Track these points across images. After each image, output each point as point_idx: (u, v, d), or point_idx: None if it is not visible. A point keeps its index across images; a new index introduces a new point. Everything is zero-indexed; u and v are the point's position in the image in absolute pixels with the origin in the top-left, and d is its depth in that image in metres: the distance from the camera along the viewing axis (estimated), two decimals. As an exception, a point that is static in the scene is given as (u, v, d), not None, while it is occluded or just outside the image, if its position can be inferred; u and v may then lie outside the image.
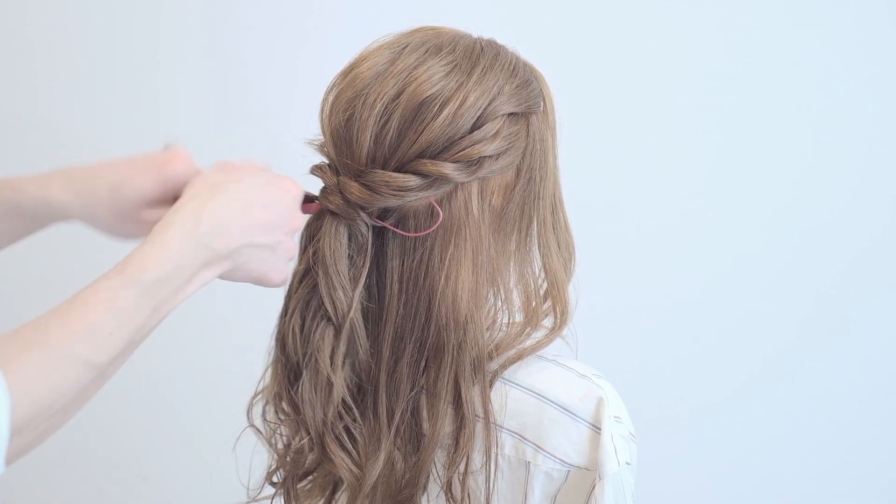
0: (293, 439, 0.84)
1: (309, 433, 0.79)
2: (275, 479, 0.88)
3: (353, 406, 0.79)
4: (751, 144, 1.48)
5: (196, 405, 1.63)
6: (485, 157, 0.75)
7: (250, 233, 0.70)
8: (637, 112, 1.48)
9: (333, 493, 0.86)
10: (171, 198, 0.78)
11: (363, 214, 0.76)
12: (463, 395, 0.77)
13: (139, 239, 0.74)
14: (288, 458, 0.84)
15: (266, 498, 0.88)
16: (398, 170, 0.75)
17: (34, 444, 0.60)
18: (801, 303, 1.53)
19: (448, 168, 0.74)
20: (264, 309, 1.50)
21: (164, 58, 1.53)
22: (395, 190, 0.74)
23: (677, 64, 1.46)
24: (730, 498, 1.61)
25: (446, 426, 0.78)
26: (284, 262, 0.75)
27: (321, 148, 0.80)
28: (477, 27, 0.83)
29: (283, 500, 0.86)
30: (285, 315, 0.80)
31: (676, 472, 1.60)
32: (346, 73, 0.77)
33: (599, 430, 0.76)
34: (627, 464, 0.77)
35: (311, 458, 0.83)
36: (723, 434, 1.59)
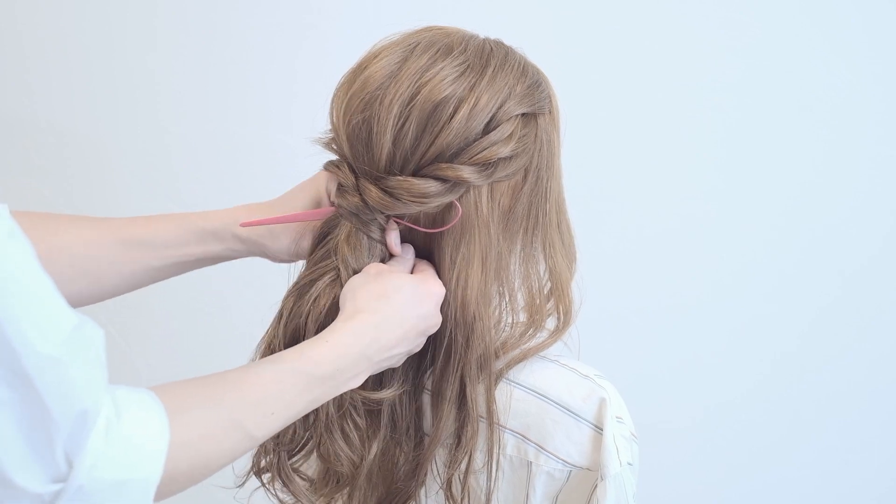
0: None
1: (307, 430, 0.80)
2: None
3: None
4: (756, 146, 1.48)
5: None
6: (501, 158, 0.75)
7: (405, 344, 0.76)
8: (640, 113, 1.48)
9: (333, 493, 0.86)
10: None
11: (380, 217, 0.77)
12: (468, 394, 0.78)
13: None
14: (273, 456, 0.85)
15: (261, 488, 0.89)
16: (416, 174, 0.74)
17: (174, 493, 0.62)
18: (808, 306, 1.52)
19: (466, 172, 0.74)
20: (266, 308, 1.50)
21: (164, 58, 1.53)
22: (415, 197, 0.74)
23: (681, 64, 1.46)
24: (736, 500, 1.61)
25: (449, 424, 0.79)
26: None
27: (328, 145, 0.80)
28: (476, 27, 0.83)
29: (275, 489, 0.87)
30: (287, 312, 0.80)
31: (680, 475, 1.60)
32: (356, 73, 0.77)
33: (602, 430, 0.77)
34: (629, 464, 0.77)
35: (300, 441, 0.83)
36: (726, 436, 1.59)
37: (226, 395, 0.65)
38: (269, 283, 1.25)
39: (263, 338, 0.82)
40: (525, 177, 0.78)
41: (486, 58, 0.76)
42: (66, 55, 1.54)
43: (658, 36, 1.45)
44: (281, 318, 0.80)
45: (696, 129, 1.48)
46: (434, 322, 0.77)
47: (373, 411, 0.81)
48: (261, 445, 0.86)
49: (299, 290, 0.79)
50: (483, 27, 0.84)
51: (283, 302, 0.81)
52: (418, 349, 0.78)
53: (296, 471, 0.84)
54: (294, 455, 0.84)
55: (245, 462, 0.89)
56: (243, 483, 0.88)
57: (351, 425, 0.80)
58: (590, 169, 1.46)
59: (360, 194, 0.76)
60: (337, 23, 1.48)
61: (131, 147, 1.56)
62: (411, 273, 0.79)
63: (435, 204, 0.75)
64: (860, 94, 1.44)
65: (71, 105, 1.56)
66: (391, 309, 0.74)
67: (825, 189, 1.48)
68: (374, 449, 0.81)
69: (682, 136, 1.48)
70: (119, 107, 1.55)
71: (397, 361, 0.77)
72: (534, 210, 0.80)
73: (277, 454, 0.84)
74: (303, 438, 0.83)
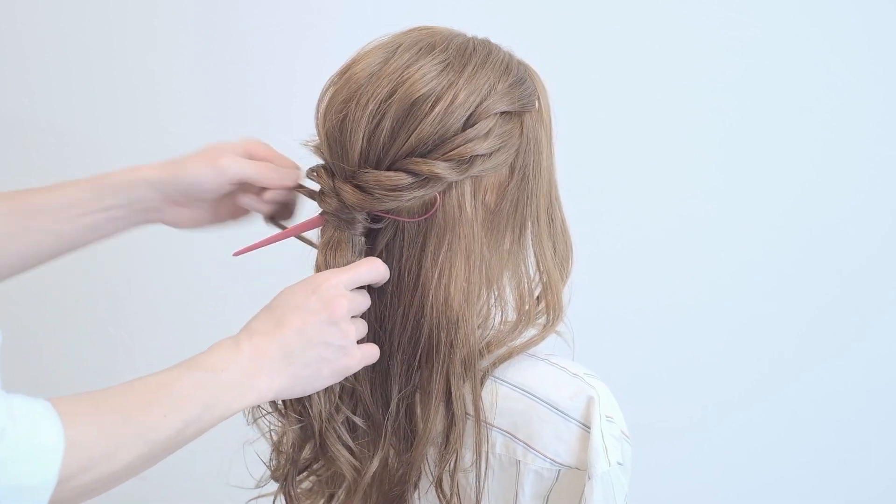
0: (283, 437, 0.85)
1: (302, 423, 0.80)
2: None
3: (355, 400, 0.80)
4: (756, 146, 1.48)
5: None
6: (476, 155, 0.74)
7: (289, 342, 0.73)
8: (640, 113, 1.48)
9: (333, 495, 0.86)
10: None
11: (360, 217, 0.77)
12: (453, 393, 0.77)
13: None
14: (283, 458, 0.85)
15: (268, 495, 0.89)
16: (389, 169, 0.75)
17: (75, 500, 0.63)
18: (806, 306, 1.52)
19: (439, 167, 0.74)
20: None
21: (164, 58, 1.53)
22: (387, 190, 0.74)
23: (681, 65, 1.46)
24: (734, 500, 1.61)
25: (437, 424, 0.79)
26: (349, 346, 0.75)
27: (317, 150, 0.80)
28: (476, 27, 0.83)
29: (283, 499, 0.87)
30: None
31: (677, 474, 1.60)
32: (341, 74, 0.78)
33: (589, 429, 0.76)
34: (619, 464, 0.76)
35: (307, 454, 0.83)
36: (724, 436, 1.59)
37: (117, 399, 0.65)
38: (271, 284, 1.25)
39: None
40: (511, 174, 0.78)
41: (467, 56, 0.76)
42: (66, 55, 1.55)
43: (658, 36, 1.45)
44: None
45: (696, 129, 1.48)
46: (322, 304, 0.74)
47: (374, 416, 0.81)
48: (278, 454, 0.86)
49: None
50: (483, 27, 0.85)
51: None
52: (345, 336, 0.75)
53: (302, 479, 0.85)
54: (303, 470, 0.84)
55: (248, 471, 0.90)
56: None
57: (347, 430, 0.80)
58: (589, 169, 1.46)
59: (337, 195, 0.76)
60: (337, 23, 1.48)
61: (131, 147, 1.56)
62: None
63: (408, 198, 0.75)
64: (860, 94, 1.44)
65: (71, 105, 1.56)
66: (272, 314, 0.74)
67: (824, 189, 1.48)
68: (378, 456, 0.80)
69: (682, 137, 1.48)
70: (119, 107, 1.55)
71: (327, 362, 0.74)
72: (521, 208, 0.80)
73: (287, 469, 0.84)
74: (309, 452, 0.83)
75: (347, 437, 0.80)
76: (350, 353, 0.75)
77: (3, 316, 1.63)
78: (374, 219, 0.78)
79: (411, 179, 0.74)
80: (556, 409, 0.77)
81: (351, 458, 0.80)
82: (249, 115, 1.53)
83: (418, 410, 0.80)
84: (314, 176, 0.79)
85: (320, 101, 0.79)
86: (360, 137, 0.74)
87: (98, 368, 1.66)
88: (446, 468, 0.79)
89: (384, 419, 0.80)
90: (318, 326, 0.73)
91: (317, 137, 0.80)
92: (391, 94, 0.73)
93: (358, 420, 0.80)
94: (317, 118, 0.79)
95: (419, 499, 0.82)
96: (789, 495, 1.60)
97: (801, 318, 1.53)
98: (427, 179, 0.74)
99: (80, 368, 1.67)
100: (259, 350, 0.72)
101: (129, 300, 1.64)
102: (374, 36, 0.80)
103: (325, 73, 0.82)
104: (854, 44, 1.43)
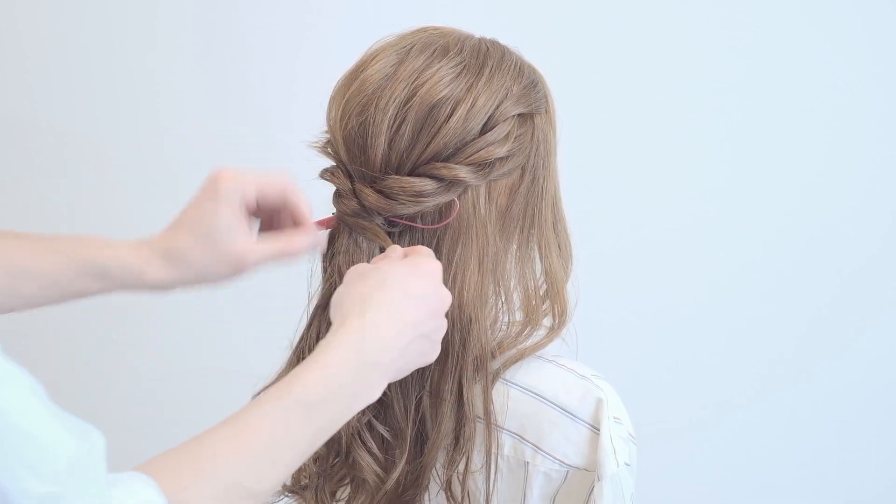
0: None
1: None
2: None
3: (381, 408, 0.80)
4: (757, 146, 1.48)
5: (195, 406, 1.63)
6: (497, 158, 0.75)
7: (407, 334, 0.69)
8: (640, 113, 1.48)
9: (333, 493, 0.86)
10: (250, 214, 0.75)
11: (379, 219, 0.76)
12: (464, 395, 0.77)
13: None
14: (303, 472, 0.84)
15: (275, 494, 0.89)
16: (411, 174, 0.75)
17: None
18: (806, 306, 1.53)
19: (463, 171, 0.74)
20: (263, 310, 1.49)
21: (164, 58, 1.53)
22: (411, 196, 0.74)
23: (682, 65, 1.46)
24: (733, 500, 1.61)
25: (448, 426, 0.79)
26: (440, 341, 0.73)
27: (324, 149, 0.80)
28: (476, 27, 0.83)
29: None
30: (308, 328, 0.80)
31: (678, 475, 1.60)
32: (353, 76, 0.77)
33: (598, 430, 0.76)
34: (627, 465, 0.77)
35: (334, 461, 0.83)
36: (724, 436, 1.59)
37: (219, 459, 0.59)
38: (272, 284, 1.25)
39: (294, 350, 0.82)
40: (522, 176, 0.78)
41: (482, 58, 0.76)
42: (66, 55, 1.54)
43: (658, 36, 1.45)
44: (309, 327, 0.80)
45: (697, 129, 1.48)
46: (439, 298, 0.71)
47: (397, 422, 0.81)
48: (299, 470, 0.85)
49: (320, 303, 0.79)
50: (483, 27, 0.85)
51: (311, 312, 0.80)
52: (442, 332, 0.72)
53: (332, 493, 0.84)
54: (331, 478, 0.84)
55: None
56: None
57: (373, 437, 0.80)
58: (590, 169, 1.46)
59: (357, 198, 0.76)
60: (337, 23, 1.48)
61: (131, 147, 1.56)
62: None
63: (432, 203, 0.75)
64: (861, 94, 1.45)
65: (71, 105, 1.56)
66: (378, 304, 0.68)
67: (825, 189, 1.48)
68: (403, 462, 0.79)
69: (683, 137, 1.48)
70: (119, 107, 1.55)
71: (423, 356, 0.71)
72: (530, 210, 0.80)
73: (318, 481, 0.83)
74: (334, 461, 0.82)
75: (372, 444, 0.80)
76: (437, 347, 0.73)
77: (3, 318, 1.63)
78: (390, 223, 0.77)
79: (435, 185, 0.74)
80: (566, 410, 0.77)
81: (374, 465, 0.80)
82: (249, 115, 1.52)
83: (429, 414, 0.80)
84: (329, 176, 0.79)
85: (333, 103, 0.78)
86: (382, 142, 0.74)
87: (98, 369, 1.66)
88: (455, 471, 0.79)
89: (407, 425, 0.79)
90: (431, 321, 0.70)
91: (324, 138, 0.80)
92: (410, 97, 0.73)
93: (381, 428, 0.80)
94: (329, 120, 0.78)
95: (429, 501, 0.82)
96: (789, 495, 1.60)
97: (801, 318, 1.53)
98: (450, 184, 0.74)
99: (80, 369, 1.67)
100: (377, 349, 0.67)
101: (127, 300, 1.64)
102: (375, 36, 0.79)
103: (325, 73, 0.81)
104: (855, 44, 1.43)
